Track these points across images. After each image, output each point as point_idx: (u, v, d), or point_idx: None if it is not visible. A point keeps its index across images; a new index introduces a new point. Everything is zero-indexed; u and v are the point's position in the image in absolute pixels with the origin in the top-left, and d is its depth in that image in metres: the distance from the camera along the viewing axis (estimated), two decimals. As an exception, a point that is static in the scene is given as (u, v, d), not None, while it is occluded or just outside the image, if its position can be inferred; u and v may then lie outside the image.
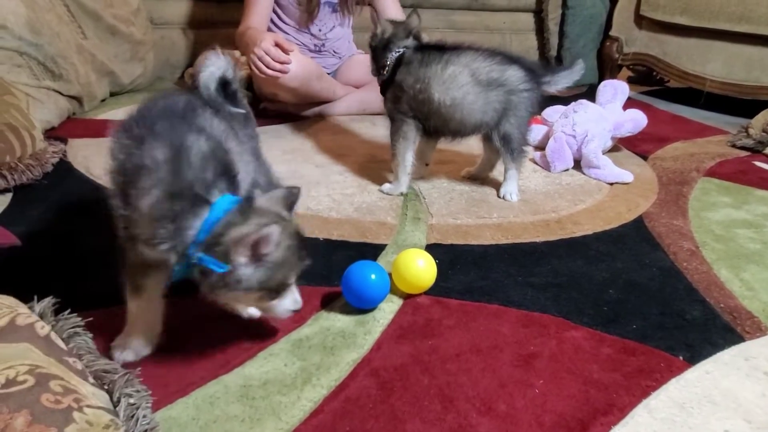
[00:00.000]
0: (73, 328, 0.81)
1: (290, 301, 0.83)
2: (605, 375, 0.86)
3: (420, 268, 1.03)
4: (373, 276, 0.97)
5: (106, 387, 0.73)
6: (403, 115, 1.43)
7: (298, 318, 0.96)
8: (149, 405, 0.72)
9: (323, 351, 0.89)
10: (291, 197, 0.81)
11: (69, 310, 0.83)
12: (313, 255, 1.14)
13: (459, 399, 0.80)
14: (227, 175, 0.79)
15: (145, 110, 0.83)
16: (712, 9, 2.50)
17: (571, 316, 1.00)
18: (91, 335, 0.82)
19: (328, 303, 1.01)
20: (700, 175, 1.75)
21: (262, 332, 0.92)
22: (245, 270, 0.75)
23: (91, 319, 0.84)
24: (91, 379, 0.72)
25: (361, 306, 0.99)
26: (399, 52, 1.43)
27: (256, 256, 0.74)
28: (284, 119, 2.07)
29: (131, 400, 0.71)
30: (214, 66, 0.91)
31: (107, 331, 0.88)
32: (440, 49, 1.43)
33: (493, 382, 0.84)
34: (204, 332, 0.91)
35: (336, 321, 0.96)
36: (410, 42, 1.44)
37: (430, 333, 0.94)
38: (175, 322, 0.92)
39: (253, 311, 0.88)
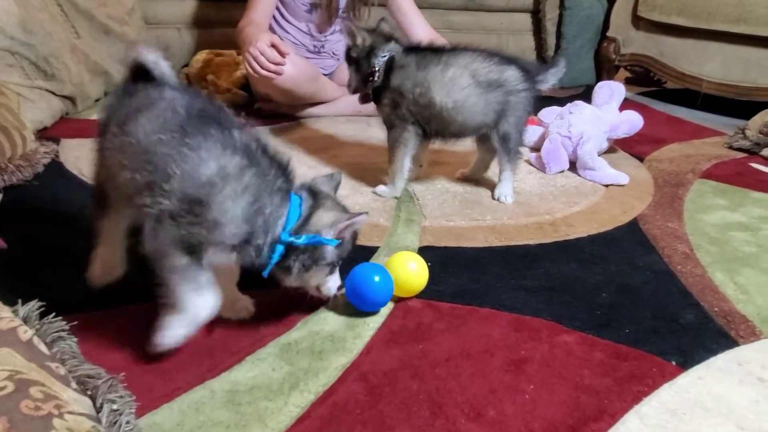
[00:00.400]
0: (57, 332, 0.80)
1: (336, 277, 0.94)
2: (597, 380, 0.85)
3: (411, 272, 1.02)
4: (377, 278, 0.96)
5: (89, 392, 0.72)
6: (403, 122, 1.42)
7: (287, 321, 0.95)
8: (133, 411, 0.71)
9: (311, 355, 0.88)
10: (335, 182, 0.96)
11: (54, 314, 0.82)
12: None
13: (448, 405, 0.79)
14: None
15: (177, 120, 0.83)
16: (709, 10, 2.49)
17: (563, 320, 0.99)
18: (75, 339, 0.81)
19: (318, 306, 1.00)
20: (696, 177, 1.74)
21: (251, 336, 0.91)
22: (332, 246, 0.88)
23: (76, 323, 0.83)
24: (73, 385, 0.71)
25: (364, 308, 0.98)
26: (386, 56, 1.41)
27: (340, 237, 0.88)
28: (279, 119, 2.06)
29: (114, 406, 0.70)
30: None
31: (93, 334, 0.87)
32: (436, 51, 1.42)
33: (483, 387, 0.83)
34: (191, 335, 0.90)
35: (325, 325, 0.95)
36: (393, 46, 1.43)
37: (421, 337, 0.93)
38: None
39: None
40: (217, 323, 0.93)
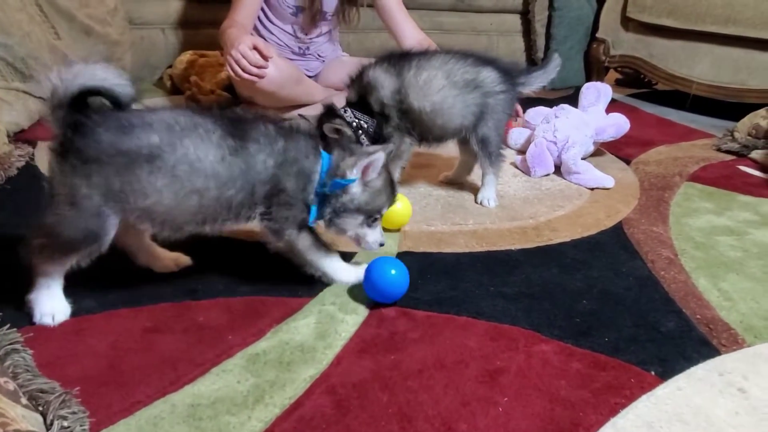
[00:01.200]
0: (11, 344, 0.77)
1: (378, 233, 1.06)
2: (573, 392, 0.83)
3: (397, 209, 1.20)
4: (393, 271, 0.98)
5: (40, 408, 0.69)
6: (399, 133, 1.38)
7: (257, 331, 0.92)
8: (85, 428, 0.68)
9: (279, 367, 0.85)
10: (389, 149, 1.06)
11: (9, 325, 0.79)
12: (279, 265, 1.12)
13: (418, 419, 0.76)
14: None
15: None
16: (698, 11, 2.47)
17: (541, 329, 0.97)
18: (31, 352, 0.78)
19: (291, 315, 0.97)
20: (683, 180, 1.72)
21: (218, 346, 0.88)
22: (356, 189, 1.01)
23: (31, 334, 0.80)
24: (23, 400, 0.68)
25: (382, 301, 1.00)
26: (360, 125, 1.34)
27: (365, 180, 1.00)
28: (263, 122, 2.02)
29: (65, 423, 0.67)
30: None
31: (52, 346, 0.84)
32: (406, 56, 1.39)
33: (455, 399, 0.80)
34: (156, 346, 0.87)
35: (296, 334, 0.92)
36: (353, 116, 1.35)
37: (394, 347, 0.90)
38: (125, 335, 0.88)
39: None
40: (183, 333, 0.90)
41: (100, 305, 0.96)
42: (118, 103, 0.89)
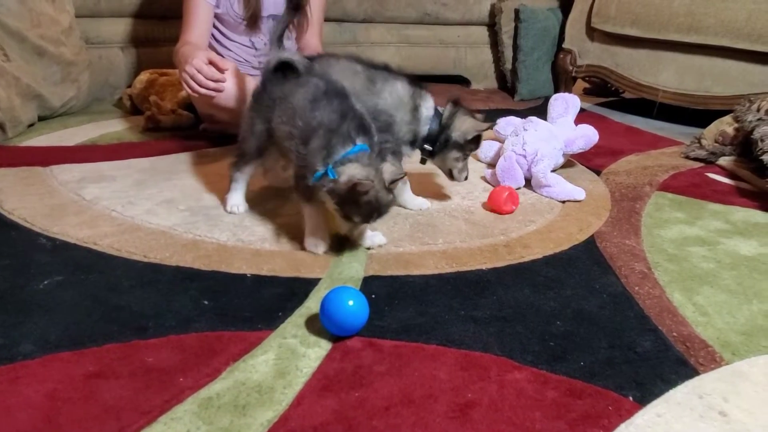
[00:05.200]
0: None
1: (357, 234, 1.24)
2: (549, 424, 0.78)
3: None
4: (350, 302, 0.93)
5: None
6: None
7: (211, 371, 0.86)
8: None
9: (234, 411, 0.78)
10: (397, 177, 1.16)
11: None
12: (237, 295, 1.06)
13: (384, 463, 0.71)
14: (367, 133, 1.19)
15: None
16: (661, 20, 2.50)
17: (514, 354, 0.92)
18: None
19: (249, 350, 0.91)
20: (654, 190, 1.71)
21: (167, 390, 0.81)
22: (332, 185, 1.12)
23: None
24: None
25: (341, 334, 0.95)
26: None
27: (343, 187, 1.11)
28: (225, 141, 1.96)
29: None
30: None
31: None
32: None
33: (424, 439, 0.75)
34: (98, 393, 0.80)
35: (253, 373, 0.86)
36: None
37: (359, 383, 0.85)
38: (65, 382, 0.81)
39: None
40: (127, 378, 0.83)
41: (39, 348, 0.88)
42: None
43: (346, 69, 1.39)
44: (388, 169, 1.16)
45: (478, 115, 1.45)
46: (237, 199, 1.41)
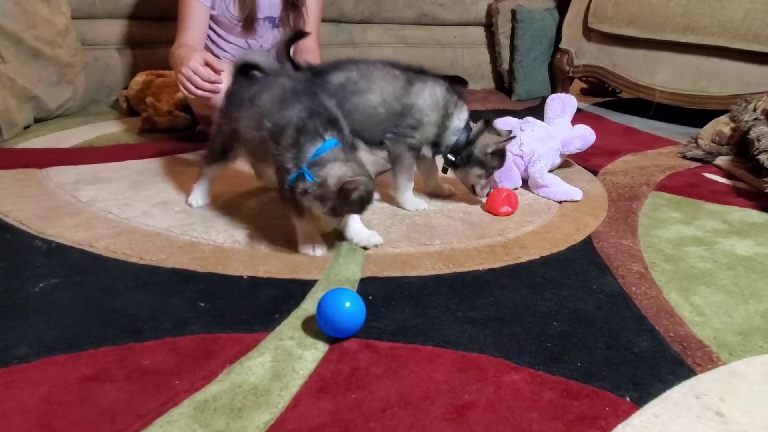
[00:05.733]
0: None
1: (335, 222, 1.23)
2: (546, 425, 0.78)
3: None
4: (347, 304, 0.92)
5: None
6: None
7: (207, 373, 0.85)
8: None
9: (230, 414, 0.78)
10: (383, 169, 1.23)
11: None
12: (233, 296, 1.06)
13: (380, 465, 0.71)
14: (336, 126, 1.17)
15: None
16: (658, 20, 2.50)
17: (511, 356, 0.92)
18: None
19: (246, 353, 0.91)
20: (651, 190, 1.71)
21: (163, 393, 0.81)
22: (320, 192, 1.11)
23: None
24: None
25: (338, 336, 0.94)
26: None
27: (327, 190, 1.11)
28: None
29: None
30: None
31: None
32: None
33: (421, 441, 0.75)
34: (94, 396, 0.80)
35: (250, 375, 0.85)
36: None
37: (355, 384, 0.84)
38: (60, 386, 0.81)
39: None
40: (122, 381, 0.83)
41: (35, 352, 0.88)
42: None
43: (387, 75, 1.42)
44: (369, 159, 1.17)
45: (504, 132, 1.46)
46: (197, 193, 1.44)
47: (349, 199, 1.11)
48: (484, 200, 1.51)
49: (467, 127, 1.44)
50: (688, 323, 1.03)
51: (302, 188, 1.11)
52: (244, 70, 1.31)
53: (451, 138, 1.44)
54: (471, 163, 1.44)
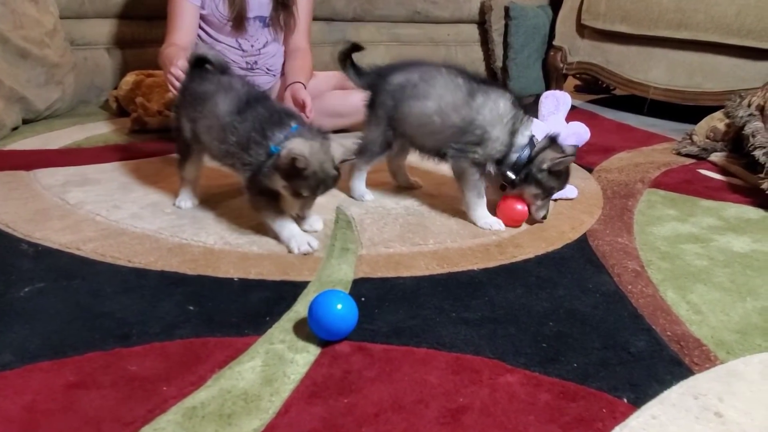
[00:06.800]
0: None
1: (298, 205, 1.23)
2: (542, 428, 0.77)
3: None
4: (339, 306, 0.91)
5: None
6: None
7: (196, 379, 0.84)
8: None
9: (219, 420, 0.76)
10: (346, 159, 1.26)
11: None
12: (224, 299, 1.04)
13: (373, 472, 0.69)
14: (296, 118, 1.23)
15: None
16: (651, 16, 2.49)
17: (506, 357, 0.91)
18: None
19: (236, 357, 0.89)
20: (646, 187, 1.70)
21: (150, 400, 0.79)
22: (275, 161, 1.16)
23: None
24: None
25: (330, 338, 0.92)
26: None
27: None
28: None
29: None
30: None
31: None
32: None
33: (414, 446, 0.73)
34: (79, 404, 0.77)
35: (240, 380, 0.84)
36: None
37: (348, 388, 0.83)
38: (44, 393, 0.79)
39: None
40: (113, 386, 0.81)
41: (18, 359, 0.85)
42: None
43: (449, 83, 1.37)
44: (338, 150, 1.22)
45: (569, 149, 1.36)
46: (183, 194, 1.43)
47: (301, 173, 1.13)
48: (540, 221, 1.40)
49: (530, 144, 1.35)
50: (684, 322, 1.02)
51: (270, 163, 1.16)
52: (198, 64, 1.34)
53: (513, 156, 1.35)
54: (528, 181, 1.35)
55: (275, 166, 1.14)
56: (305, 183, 1.15)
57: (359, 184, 1.50)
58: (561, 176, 1.37)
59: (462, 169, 1.37)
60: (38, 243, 1.21)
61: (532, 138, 1.36)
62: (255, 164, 1.19)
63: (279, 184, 1.17)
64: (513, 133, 1.34)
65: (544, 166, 1.33)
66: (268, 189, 1.19)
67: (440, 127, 1.36)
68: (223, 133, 1.22)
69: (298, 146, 1.13)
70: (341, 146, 1.58)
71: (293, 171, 1.12)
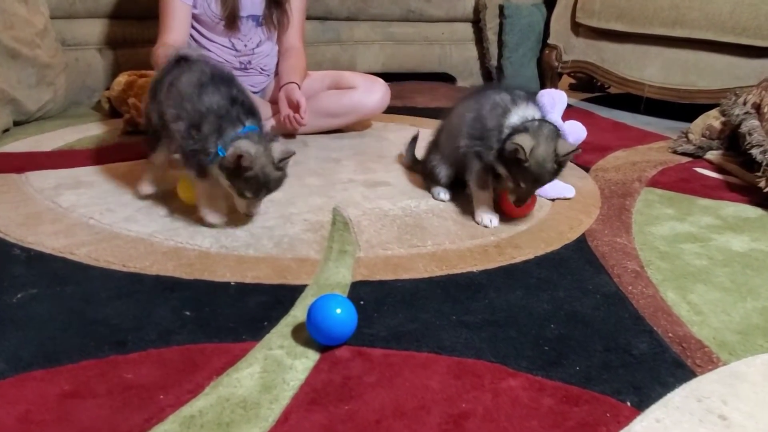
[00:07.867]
0: None
1: (243, 205, 1.28)
2: (545, 433, 0.76)
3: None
4: (338, 310, 0.90)
5: None
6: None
7: (194, 386, 0.82)
8: None
9: (218, 429, 0.75)
10: (286, 155, 1.22)
11: None
12: (220, 304, 1.02)
13: (376, 481, 0.68)
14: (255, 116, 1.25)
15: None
16: (646, 14, 2.49)
17: (508, 361, 0.90)
18: None
19: (233, 363, 0.87)
20: (643, 186, 1.70)
21: (147, 408, 0.77)
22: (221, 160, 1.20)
23: None
24: None
25: (330, 343, 0.91)
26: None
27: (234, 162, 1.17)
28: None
29: None
30: None
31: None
32: None
33: (417, 453, 0.72)
34: (74, 414, 0.76)
35: (238, 388, 0.82)
36: None
37: (348, 395, 0.81)
38: (38, 403, 0.77)
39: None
40: (109, 395, 0.79)
41: (11, 368, 0.84)
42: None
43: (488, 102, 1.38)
44: (278, 147, 1.21)
45: (562, 141, 1.30)
46: (145, 180, 1.45)
47: (242, 175, 1.17)
48: (518, 208, 1.37)
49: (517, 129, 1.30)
50: (686, 322, 1.01)
51: (218, 163, 1.20)
52: (180, 63, 1.34)
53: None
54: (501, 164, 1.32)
55: (221, 165, 1.19)
56: (247, 185, 1.20)
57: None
58: (517, 164, 1.27)
59: (469, 163, 1.39)
60: (30, 248, 1.19)
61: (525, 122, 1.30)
62: (202, 150, 1.21)
63: (225, 182, 1.22)
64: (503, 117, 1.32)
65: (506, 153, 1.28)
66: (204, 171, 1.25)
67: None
68: (182, 101, 1.24)
69: (245, 149, 1.16)
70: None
71: (236, 171, 1.17)
